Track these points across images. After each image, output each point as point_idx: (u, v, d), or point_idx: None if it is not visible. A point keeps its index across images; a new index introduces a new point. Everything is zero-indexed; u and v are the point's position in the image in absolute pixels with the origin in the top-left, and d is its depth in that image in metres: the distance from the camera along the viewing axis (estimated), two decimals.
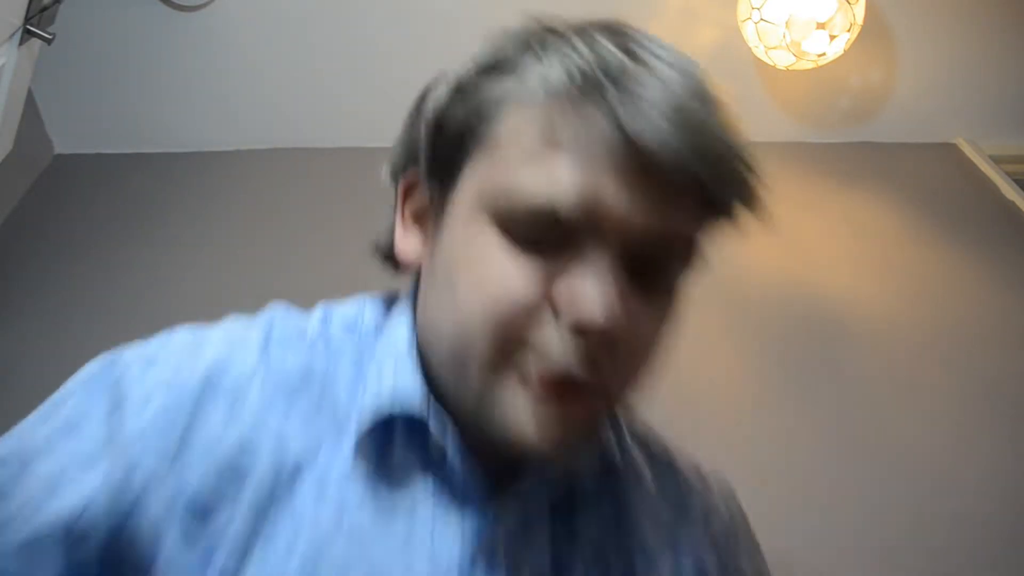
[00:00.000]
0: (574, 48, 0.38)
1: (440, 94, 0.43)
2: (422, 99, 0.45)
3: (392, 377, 0.42)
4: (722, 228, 0.43)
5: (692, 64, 0.41)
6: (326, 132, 1.63)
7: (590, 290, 0.36)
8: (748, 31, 1.43)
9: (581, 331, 0.36)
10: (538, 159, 0.37)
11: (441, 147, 0.42)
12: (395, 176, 0.47)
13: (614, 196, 0.36)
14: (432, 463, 0.42)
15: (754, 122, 1.81)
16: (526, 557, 0.43)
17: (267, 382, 0.43)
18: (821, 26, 1.34)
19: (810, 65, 1.43)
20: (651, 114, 0.35)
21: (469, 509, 0.42)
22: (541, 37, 0.41)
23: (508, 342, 0.37)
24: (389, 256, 0.48)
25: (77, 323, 1.27)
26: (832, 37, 1.36)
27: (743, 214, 0.42)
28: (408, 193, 0.46)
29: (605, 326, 0.36)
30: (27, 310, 1.29)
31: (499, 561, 0.41)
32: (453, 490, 0.42)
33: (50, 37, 1.10)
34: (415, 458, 0.42)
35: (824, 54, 1.39)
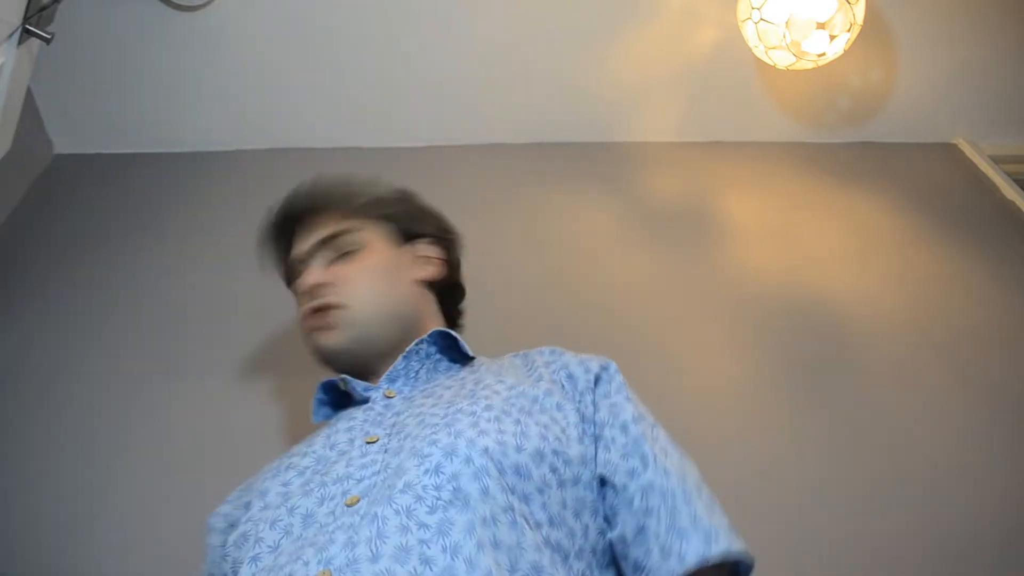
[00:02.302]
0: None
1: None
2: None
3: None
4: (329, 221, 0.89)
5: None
6: (326, 132, 1.63)
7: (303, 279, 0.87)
8: (748, 31, 1.43)
9: (305, 292, 0.85)
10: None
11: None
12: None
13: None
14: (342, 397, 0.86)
15: (754, 122, 1.83)
16: (401, 415, 0.74)
17: None
18: (821, 26, 1.34)
19: (810, 65, 1.42)
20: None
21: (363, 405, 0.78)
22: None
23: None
24: None
25: (77, 323, 1.27)
26: (832, 37, 1.36)
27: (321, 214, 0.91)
28: None
29: (306, 288, 0.85)
30: (27, 310, 1.29)
31: (385, 420, 0.74)
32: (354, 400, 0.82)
33: (49, 37, 1.09)
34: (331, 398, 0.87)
35: (824, 54, 1.39)
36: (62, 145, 1.63)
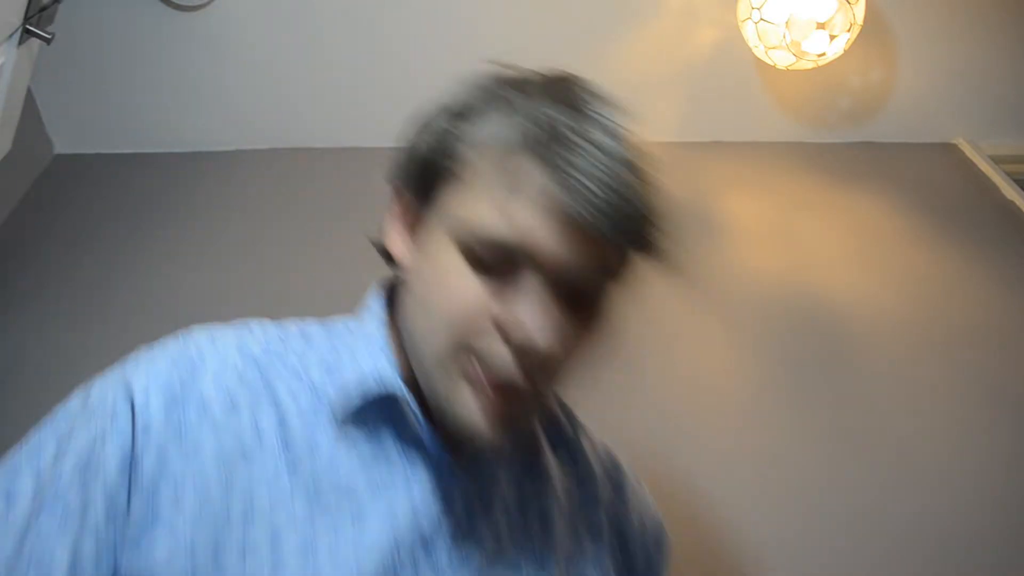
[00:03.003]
0: (529, 106, 0.48)
1: (419, 128, 0.53)
2: (414, 127, 0.54)
3: (369, 362, 0.51)
4: (640, 265, 0.53)
5: (624, 128, 0.52)
6: (326, 132, 1.63)
7: (537, 318, 0.45)
8: (748, 31, 1.43)
9: (526, 351, 0.45)
10: (493, 200, 0.46)
11: (418, 172, 0.52)
12: (391, 179, 0.56)
13: (550, 238, 0.45)
14: (403, 433, 0.51)
15: (754, 122, 1.82)
16: (477, 508, 0.52)
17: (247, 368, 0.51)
18: (821, 26, 1.34)
19: (810, 65, 1.43)
20: (582, 180, 0.44)
21: (433, 467, 0.51)
22: (503, 92, 0.51)
23: (457, 346, 0.46)
24: (385, 250, 0.56)
25: (77, 323, 1.27)
26: (832, 37, 1.36)
27: (653, 261, 0.52)
28: (398, 198, 0.55)
29: (547, 351, 0.45)
30: (27, 310, 1.29)
31: (457, 508, 0.51)
32: (420, 452, 0.51)
33: (50, 37, 1.09)
34: (389, 430, 0.51)
35: (824, 54, 1.39)
36: (62, 145, 1.63)
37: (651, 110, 1.67)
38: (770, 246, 1.46)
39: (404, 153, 0.54)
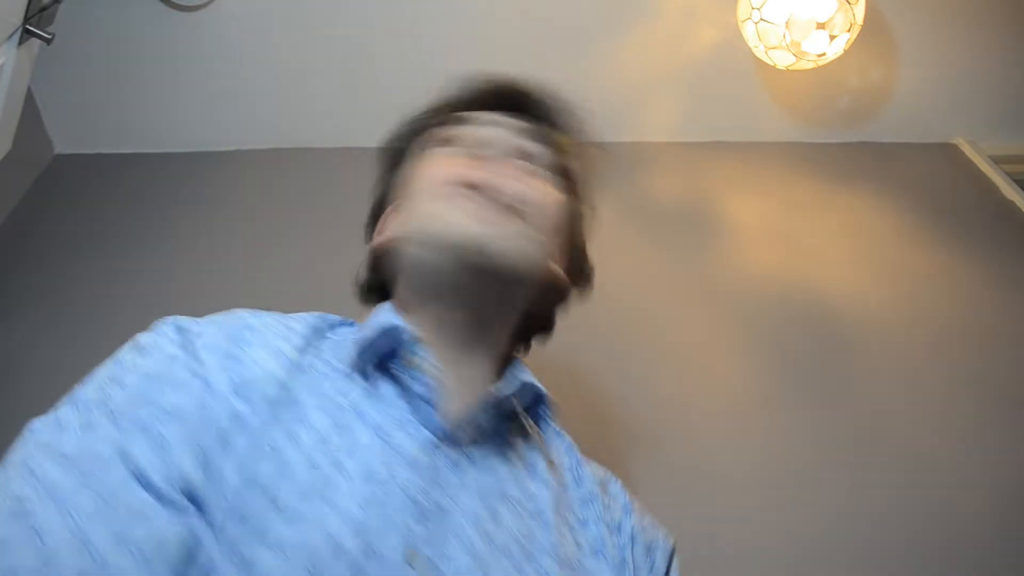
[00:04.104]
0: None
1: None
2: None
3: (384, 316, 0.57)
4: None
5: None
6: (326, 132, 1.63)
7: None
8: (748, 31, 1.43)
9: (499, 158, 0.62)
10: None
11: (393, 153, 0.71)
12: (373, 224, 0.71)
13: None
14: (405, 377, 0.55)
15: (754, 122, 1.82)
16: (466, 464, 0.54)
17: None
18: (821, 26, 1.34)
19: (810, 65, 1.43)
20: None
21: (430, 411, 0.54)
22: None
23: (443, 183, 0.59)
24: (365, 288, 0.69)
25: (77, 323, 1.27)
26: (832, 37, 1.36)
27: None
28: (381, 219, 0.69)
29: (512, 150, 0.64)
30: (27, 310, 1.29)
31: (448, 454, 0.53)
32: (422, 395, 0.54)
33: (50, 37, 1.10)
34: (392, 372, 0.56)
35: (824, 54, 1.39)
36: (62, 145, 1.63)
37: (651, 110, 1.67)
38: (769, 246, 1.46)
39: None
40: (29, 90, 1.49)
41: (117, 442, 0.44)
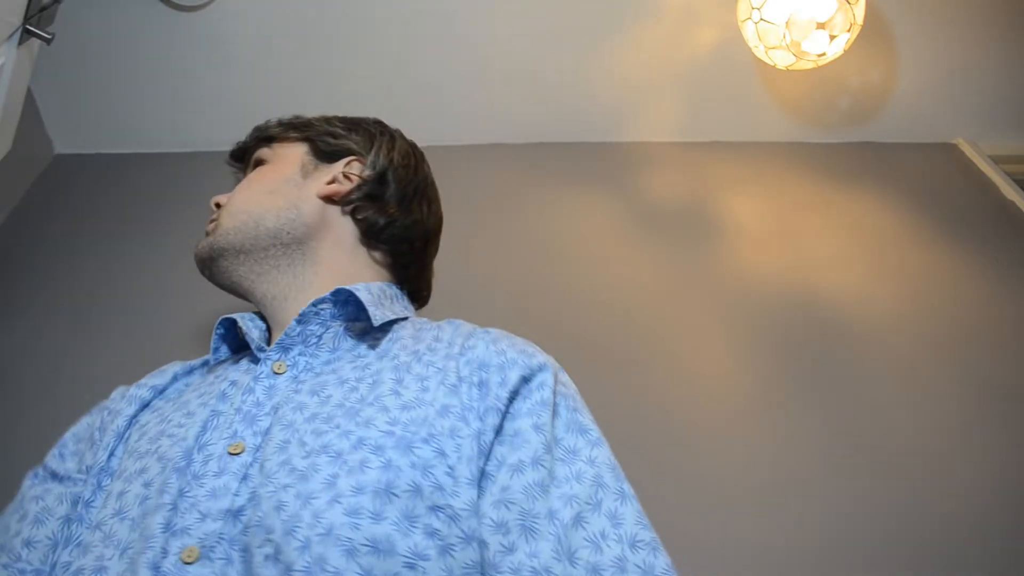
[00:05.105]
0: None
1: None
2: None
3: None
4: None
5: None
6: None
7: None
8: (748, 31, 1.43)
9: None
10: None
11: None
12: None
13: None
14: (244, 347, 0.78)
15: (754, 122, 1.82)
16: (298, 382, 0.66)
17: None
18: (821, 26, 1.34)
19: (810, 65, 1.43)
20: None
21: (258, 361, 0.69)
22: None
23: None
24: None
25: (77, 323, 1.27)
26: (832, 37, 1.36)
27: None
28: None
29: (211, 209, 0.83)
30: (27, 310, 1.29)
31: (261, 413, 0.63)
32: (255, 338, 0.70)
33: (50, 37, 1.10)
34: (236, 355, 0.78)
35: (824, 54, 1.39)
36: (62, 145, 1.63)
37: (651, 110, 1.67)
38: (770, 246, 1.46)
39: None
40: (29, 90, 1.49)
41: None
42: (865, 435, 1.14)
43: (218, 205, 0.82)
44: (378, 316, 0.68)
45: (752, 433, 1.14)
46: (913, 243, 1.48)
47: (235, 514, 0.54)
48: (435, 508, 0.53)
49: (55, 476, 0.68)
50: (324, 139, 0.82)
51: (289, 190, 0.78)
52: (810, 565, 0.99)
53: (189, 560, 0.52)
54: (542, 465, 0.56)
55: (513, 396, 0.60)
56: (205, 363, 0.78)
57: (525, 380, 0.61)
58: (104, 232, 1.44)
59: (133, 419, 0.71)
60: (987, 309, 1.35)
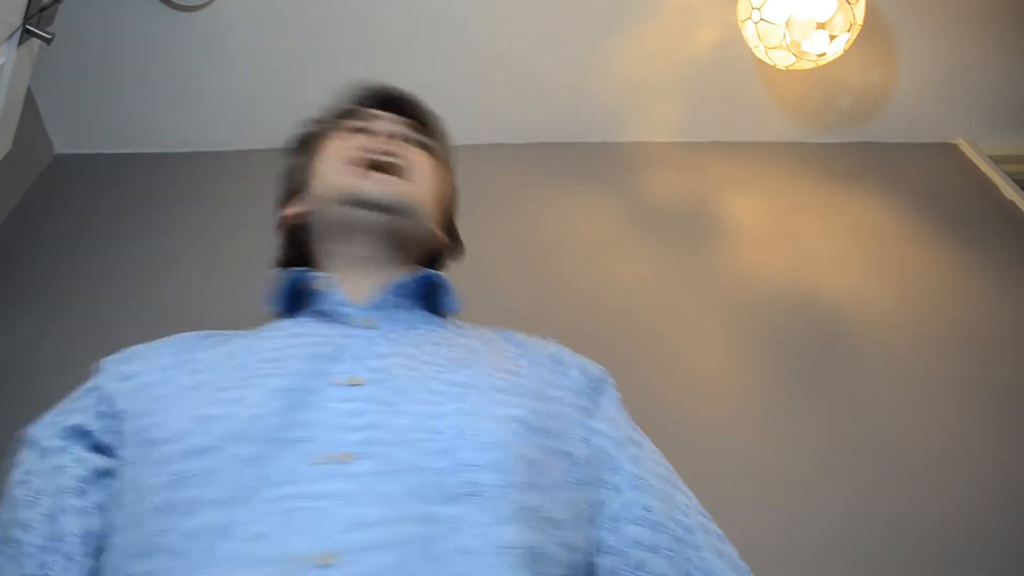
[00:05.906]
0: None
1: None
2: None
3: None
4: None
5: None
6: None
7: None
8: (748, 31, 1.43)
9: (381, 138, 0.79)
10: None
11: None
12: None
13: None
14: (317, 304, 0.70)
15: (754, 122, 1.82)
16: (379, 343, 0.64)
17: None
18: (821, 26, 1.34)
19: (810, 65, 1.43)
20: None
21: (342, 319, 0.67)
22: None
23: (345, 161, 0.76)
24: (284, 262, 0.87)
25: (77, 323, 1.27)
26: (832, 37, 1.36)
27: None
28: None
29: (392, 131, 0.80)
30: (27, 310, 1.29)
31: (369, 358, 0.62)
32: (332, 312, 0.68)
33: (50, 37, 1.10)
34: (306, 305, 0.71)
35: (824, 54, 1.39)
36: (62, 145, 1.63)
37: (651, 110, 1.67)
38: (770, 246, 1.46)
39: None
40: (29, 90, 1.49)
41: None
42: (865, 435, 1.14)
43: (399, 146, 0.78)
44: (456, 305, 0.74)
45: (752, 433, 1.14)
46: (913, 243, 1.48)
47: (382, 422, 0.56)
48: (566, 454, 0.60)
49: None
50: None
51: (438, 203, 0.81)
52: (810, 565, 0.98)
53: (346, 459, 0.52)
54: (633, 441, 0.68)
55: (594, 389, 0.70)
56: (207, 337, 0.72)
57: (601, 379, 0.72)
58: (104, 232, 1.44)
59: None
60: (987, 309, 1.35)
